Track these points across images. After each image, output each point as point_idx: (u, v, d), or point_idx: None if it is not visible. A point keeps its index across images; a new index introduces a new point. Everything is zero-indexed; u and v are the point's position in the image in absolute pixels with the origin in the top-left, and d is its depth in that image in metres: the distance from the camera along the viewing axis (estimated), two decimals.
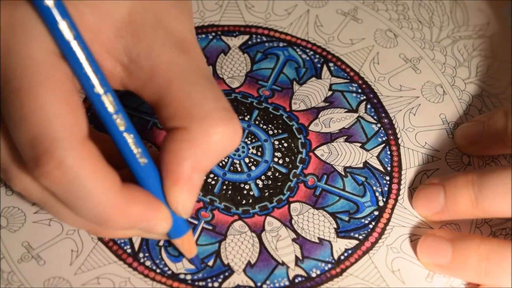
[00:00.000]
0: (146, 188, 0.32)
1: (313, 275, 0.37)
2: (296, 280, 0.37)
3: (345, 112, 0.43)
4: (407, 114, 0.44)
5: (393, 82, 0.45)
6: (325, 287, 0.37)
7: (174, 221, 0.34)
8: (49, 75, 0.29)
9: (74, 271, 0.36)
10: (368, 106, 0.44)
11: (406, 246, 0.38)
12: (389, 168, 0.41)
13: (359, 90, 0.44)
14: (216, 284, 0.36)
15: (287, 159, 0.41)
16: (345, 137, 0.42)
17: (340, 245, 0.38)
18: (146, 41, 0.31)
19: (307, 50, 0.46)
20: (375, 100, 0.44)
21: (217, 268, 0.37)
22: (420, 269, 0.38)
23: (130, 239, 0.37)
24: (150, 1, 0.32)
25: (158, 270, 0.36)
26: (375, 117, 0.43)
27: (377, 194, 0.40)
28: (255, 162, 0.41)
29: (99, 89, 0.30)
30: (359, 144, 0.42)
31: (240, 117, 0.42)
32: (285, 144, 0.42)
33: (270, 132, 0.42)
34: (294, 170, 0.41)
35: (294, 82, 0.44)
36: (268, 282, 0.37)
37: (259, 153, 0.41)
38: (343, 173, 0.41)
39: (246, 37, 0.46)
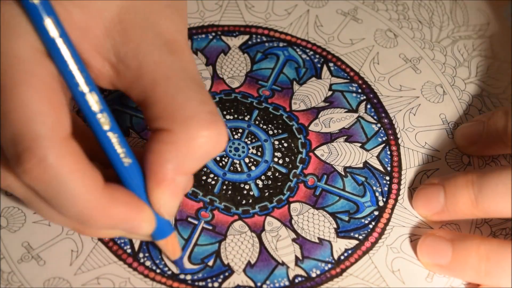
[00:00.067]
0: (129, 188, 0.32)
1: (313, 275, 0.37)
2: (296, 280, 0.37)
3: (345, 112, 0.43)
4: (407, 114, 0.44)
5: (393, 82, 0.45)
6: (325, 287, 0.37)
7: (158, 222, 0.33)
8: (33, 73, 0.29)
9: (74, 271, 0.36)
10: (368, 106, 0.44)
11: (406, 246, 0.38)
12: (389, 168, 0.41)
13: (359, 90, 0.44)
14: (216, 284, 0.36)
15: (287, 159, 0.41)
16: (345, 137, 0.42)
17: (340, 245, 0.38)
18: (134, 41, 0.31)
19: (307, 50, 0.46)
20: (375, 100, 0.44)
21: (217, 268, 0.37)
22: (420, 269, 0.38)
23: (130, 239, 0.37)
24: (142, 1, 0.32)
25: (158, 270, 0.36)
26: (375, 117, 0.43)
27: (377, 194, 0.40)
28: (255, 162, 0.41)
29: (83, 87, 0.30)
30: (359, 144, 0.42)
31: (240, 117, 0.42)
32: (285, 144, 0.42)
33: (270, 132, 0.42)
34: (294, 170, 0.41)
35: (294, 82, 0.44)
36: (268, 282, 0.37)
37: (259, 153, 0.41)
38: (343, 173, 0.41)
39: (246, 37, 0.46)
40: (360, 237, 0.39)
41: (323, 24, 0.47)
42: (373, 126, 0.43)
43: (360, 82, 0.45)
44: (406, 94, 0.44)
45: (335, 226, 0.39)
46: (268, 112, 0.43)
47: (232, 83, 0.44)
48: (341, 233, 0.39)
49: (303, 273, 0.37)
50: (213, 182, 0.40)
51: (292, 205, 0.39)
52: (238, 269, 0.37)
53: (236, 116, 0.42)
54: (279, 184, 0.40)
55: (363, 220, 0.39)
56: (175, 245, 0.36)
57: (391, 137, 0.43)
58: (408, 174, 0.41)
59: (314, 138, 0.42)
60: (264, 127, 0.42)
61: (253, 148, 0.41)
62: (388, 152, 0.42)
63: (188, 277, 0.36)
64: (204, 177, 0.40)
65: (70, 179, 0.30)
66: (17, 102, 0.29)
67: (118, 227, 0.32)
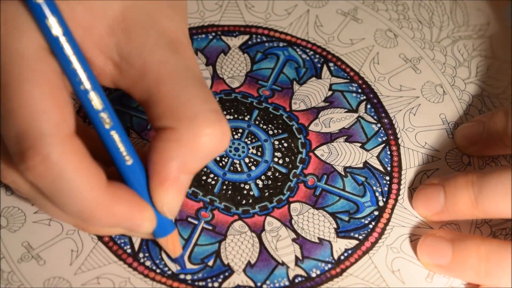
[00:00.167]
0: (131, 187, 0.32)
1: (313, 275, 0.37)
2: (296, 280, 0.37)
3: (345, 112, 0.43)
4: (407, 114, 0.44)
5: (393, 82, 0.45)
6: (325, 287, 0.37)
7: (160, 220, 0.33)
8: (37, 71, 0.29)
9: (74, 271, 0.36)
10: (368, 106, 0.44)
11: (406, 246, 0.38)
12: (389, 168, 0.41)
13: (359, 90, 0.44)
14: (216, 284, 0.36)
15: (287, 159, 0.41)
16: (345, 137, 0.42)
17: (340, 245, 0.38)
18: (138, 40, 0.31)
19: (307, 50, 0.46)
20: (375, 100, 0.44)
21: (217, 268, 0.37)
22: (420, 269, 0.38)
23: (130, 239, 0.37)
24: (144, 1, 0.32)
25: (158, 270, 0.36)
26: (375, 117, 0.43)
27: (377, 194, 0.40)
28: (255, 162, 0.41)
29: (86, 85, 0.30)
30: (359, 144, 0.42)
31: (240, 117, 0.42)
32: (285, 144, 0.42)
33: (270, 132, 0.42)
34: (294, 170, 0.41)
35: (294, 82, 0.44)
36: (268, 282, 0.37)
37: (259, 153, 0.41)
38: (343, 173, 0.41)
39: (246, 37, 0.46)
40: (360, 237, 0.39)
41: (323, 24, 0.47)
42: (373, 126, 0.43)
43: (360, 82, 0.45)
44: (406, 94, 0.44)
45: (335, 226, 0.39)
46: (268, 112, 0.43)
47: (232, 83, 0.44)
48: (341, 233, 0.39)
49: (303, 273, 0.37)
50: (213, 182, 0.40)
51: (292, 205, 0.39)
52: (238, 269, 0.37)
53: (236, 116, 0.42)
54: (279, 184, 0.40)
55: (363, 220, 0.39)
56: (176, 243, 0.36)
57: (391, 137, 0.43)
58: (408, 174, 0.41)
59: (314, 138, 0.42)
60: (264, 127, 0.42)
61: (253, 148, 0.41)
62: (388, 152, 0.42)
63: (188, 277, 0.36)
64: (204, 177, 0.40)
65: (74, 177, 0.30)
66: (21, 99, 0.29)
67: (120, 226, 0.32)
